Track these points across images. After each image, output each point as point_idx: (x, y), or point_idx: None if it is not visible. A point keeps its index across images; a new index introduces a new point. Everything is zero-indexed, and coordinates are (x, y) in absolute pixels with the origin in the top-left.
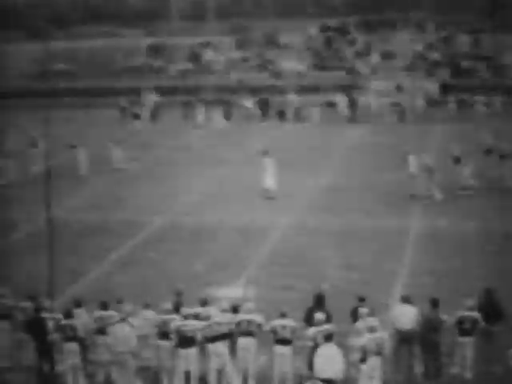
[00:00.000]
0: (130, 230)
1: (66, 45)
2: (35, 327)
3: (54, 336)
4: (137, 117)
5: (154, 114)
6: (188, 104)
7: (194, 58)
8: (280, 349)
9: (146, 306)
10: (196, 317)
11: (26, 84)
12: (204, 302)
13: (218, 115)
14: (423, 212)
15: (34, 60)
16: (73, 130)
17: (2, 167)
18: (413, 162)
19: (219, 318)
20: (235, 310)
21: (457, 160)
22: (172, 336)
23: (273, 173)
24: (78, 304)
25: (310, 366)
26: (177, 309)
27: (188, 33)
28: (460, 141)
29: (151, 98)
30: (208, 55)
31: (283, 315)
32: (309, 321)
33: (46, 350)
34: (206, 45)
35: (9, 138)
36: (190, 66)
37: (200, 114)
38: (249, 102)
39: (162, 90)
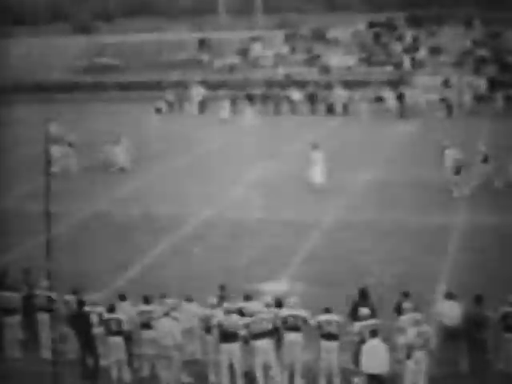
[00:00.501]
0: (174, 224)
1: (112, 39)
2: (78, 321)
3: (98, 330)
4: (158, 111)
5: (201, 108)
6: (235, 98)
7: (242, 52)
8: (326, 344)
9: (189, 300)
10: (240, 312)
11: (71, 78)
12: (248, 297)
13: (248, 111)
14: (468, 207)
15: (80, 54)
16: (118, 124)
17: (59, 156)
18: (448, 157)
19: (263, 313)
20: (280, 304)
21: (484, 158)
22: (213, 330)
23: (321, 167)
24: (122, 298)
25: (356, 361)
26: (221, 303)
27: (236, 27)
28: (507, 137)
29: (198, 92)
30: (256, 50)
31: (328, 310)
32: (354, 316)
33: (89, 344)
34: (254, 39)
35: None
36: (237, 60)
37: (223, 109)
38: (296, 97)
39: (209, 84)
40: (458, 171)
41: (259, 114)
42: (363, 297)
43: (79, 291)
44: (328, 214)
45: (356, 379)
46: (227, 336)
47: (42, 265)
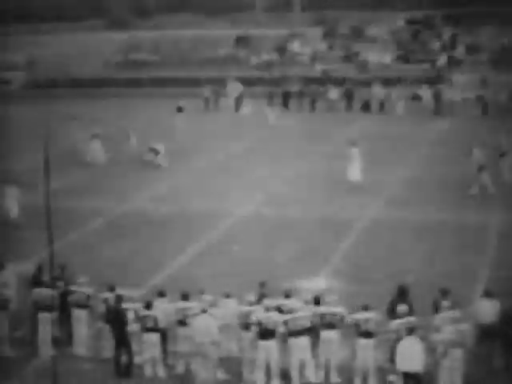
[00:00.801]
0: (212, 221)
1: (149, 35)
2: (115, 318)
3: (134, 327)
4: (180, 110)
5: (238, 105)
6: (272, 95)
7: (280, 49)
8: (362, 342)
9: (228, 296)
10: (279, 309)
11: (107, 73)
12: (287, 294)
13: (270, 110)
14: (505, 206)
15: (116, 50)
16: (152, 120)
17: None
18: (475, 155)
19: (302, 310)
20: (318, 302)
21: (502, 154)
22: (252, 328)
23: (358, 164)
24: (161, 294)
25: (392, 358)
26: (260, 300)
27: (274, 24)
28: None
29: (235, 89)
30: (293, 46)
31: (366, 308)
32: (392, 313)
33: (124, 341)
34: (292, 36)
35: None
36: (274, 57)
37: (246, 107)
38: (333, 94)
39: (245, 81)
40: (480, 169)
41: (281, 113)
42: (401, 294)
43: (116, 288)
44: (366, 211)
45: (391, 377)
46: (266, 333)
47: (79, 261)
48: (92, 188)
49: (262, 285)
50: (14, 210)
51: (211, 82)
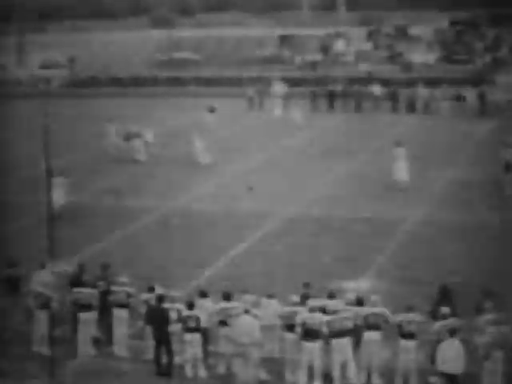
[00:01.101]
0: (256, 221)
1: (192, 33)
2: (156, 317)
3: (175, 327)
4: (212, 110)
5: (282, 105)
6: (316, 95)
7: (324, 48)
8: (405, 343)
9: (270, 297)
10: (322, 310)
11: (149, 72)
12: (331, 295)
13: (295, 109)
14: None
15: (159, 48)
16: (195, 119)
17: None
18: (505, 155)
19: (345, 311)
20: (361, 303)
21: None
22: (297, 328)
23: (404, 164)
24: (203, 294)
25: (433, 360)
26: (304, 301)
27: (318, 23)
28: None
29: (279, 89)
30: (338, 46)
31: (410, 309)
32: (434, 314)
33: (165, 341)
34: (337, 36)
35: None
36: (319, 56)
37: (277, 107)
38: (378, 94)
39: (289, 81)
40: (507, 169)
41: (308, 113)
42: (444, 295)
43: (157, 287)
44: (412, 211)
45: (432, 379)
46: (310, 334)
47: (121, 260)
48: (137, 187)
49: (306, 285)
50: (60, 200)
51: (255, 81)
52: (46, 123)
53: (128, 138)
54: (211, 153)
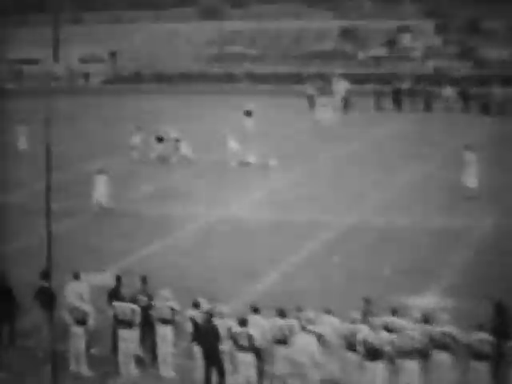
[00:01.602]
0: (311, 230)
1: (244, 25)
2: (205, 335)
3: (226, 345)
4: (249, 114)
5: (345, 104)
6: (380, 94)
7: (389, 43)
8: (476, 364)
9: (329, 313)
10: (385, 327)
11: (198, 67)
12: (395, 312)
13: (324, 109)
14: None
15: (209, 41)
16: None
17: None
18: None
19: (410, 329)
20: (428, 320)
21: None
22: (358, 348)
23: (474, 170)
24: (255, 310)
25: (506, 382)
26: (365, 318)
27: (383, 15)
28: None
29: (341, 87)
30: (404, 41)
31: (481, 327)
32: (500, 333)
33: (215, 361)
34: (403, 29)
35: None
36: (383, 51)
37: (324, 110)
38: (448, 93)
39: (353, 78)
40: None
41: (372, 113)
42: (500, 312)
43: (205, 302)
44: (482, 221)
45: None
46: (372, 353)
47: (163, 272)
48: (180, 192)
49: (367, 301)
50: (104, 198)
51: (314, 78)
52: (47, 117)
53: (165, 139)
54: (264, 157)
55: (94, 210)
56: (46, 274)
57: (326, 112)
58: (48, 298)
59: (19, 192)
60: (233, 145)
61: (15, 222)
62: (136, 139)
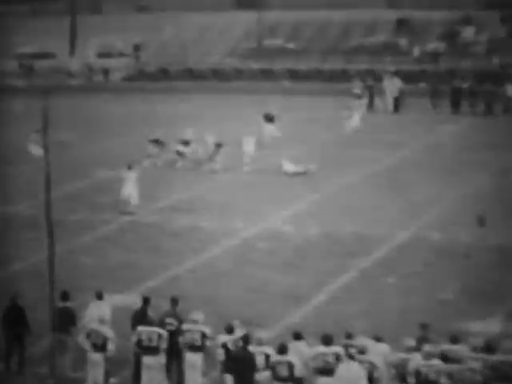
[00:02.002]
0: (361, 247)
1: (286, 16)
2: (240, 363)
3: (263, 375)
4: (270, 119)
5: (397, 105)
6: (437, 94)
7: (449, 36)
8: None
9: (379, 340)
10: (443, 356)
11: (232, 63)
12: (454, 339)
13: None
14: None
15: (246, 34)
16: (292, 121)
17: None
18: None
19: (471, 359)
20: (490, 349)
21: None
22: (410, 379)
23: None
24: (297, 336)
25: None
26: (420, 345)
27: (441, 5)
28: None
29: (394, 85)
30: (466, 33)
31: None
32: None
33: None
34: (464, 21)
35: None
36: (442, 46)
37: (353, 119)
38: None
39: (407, 75)
40: None
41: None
42: None
43: (240, 327)
44: None
45: None
46: None
47: (194, 293)
48: (217, 204)
49: (424, 326)
50: (134, 196)
51: (363, 76)
52: (45, 115)
53: (190, 143)
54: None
55: (119, 221)
56: (65, 295)
57: (353, 119)
58: (68, 321)
59: (28, 203)
60: (264, 148)
61: (25, 237)
62: (161, 143)
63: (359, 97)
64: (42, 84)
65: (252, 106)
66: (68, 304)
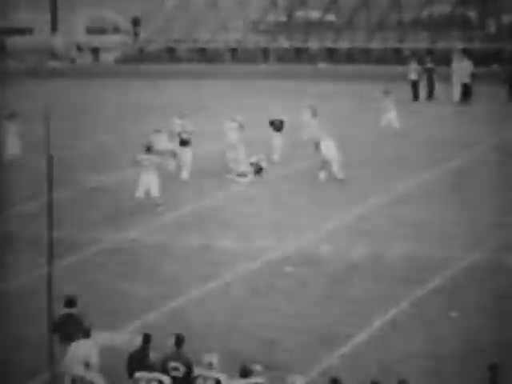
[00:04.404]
0: (415, 272)
1: None
2: None
3: None
4: (278, 128)
5: (468, 93)
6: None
7: None
8: None
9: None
10: None
11: (250, 41)
12: None
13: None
14: None
15: (270, 5)
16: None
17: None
18: None
19: None
20: None
21: None
22: None
23: None
24: (334, 383)
25: None
26: None
27: None
28: None
29: (465, 69)
30: None
31: None
32: None
33: None
34: None
35: None
36: None
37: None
38: None
39: (478, 56)
40: None
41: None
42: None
43: (259, 371)
44: None
45: None
46: None
47: (207, 329)
48: (234, 218)
49: (493, 368)
50: (154, 189)
51: (422, 56)
52: (47, 109)
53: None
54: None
55: (109, 240)
56: (70, 301)
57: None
58: (73, 328)
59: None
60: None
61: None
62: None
63: (386, 92)
64: (16, 66)
65: (281, 95)
66: (73, 310)
